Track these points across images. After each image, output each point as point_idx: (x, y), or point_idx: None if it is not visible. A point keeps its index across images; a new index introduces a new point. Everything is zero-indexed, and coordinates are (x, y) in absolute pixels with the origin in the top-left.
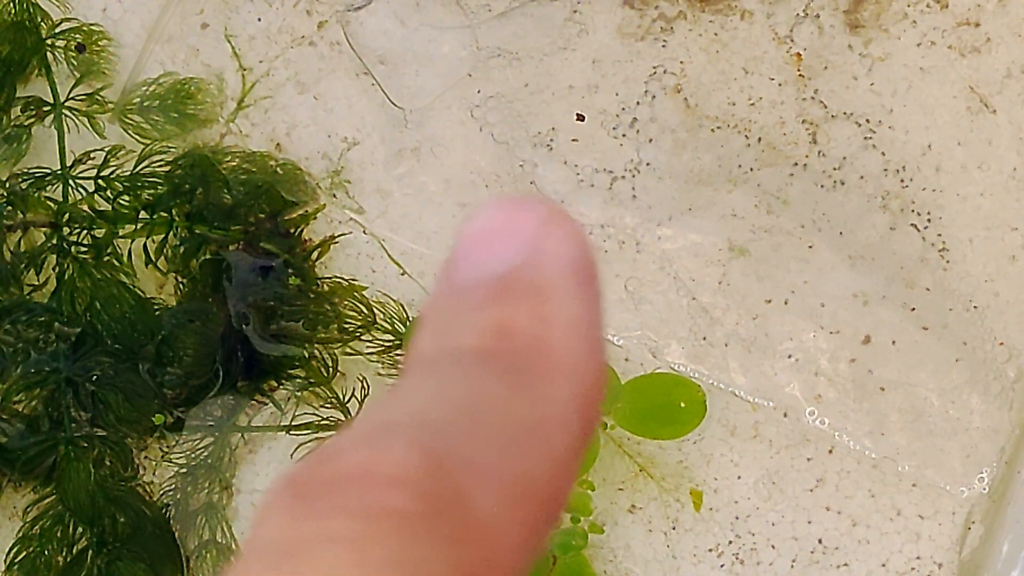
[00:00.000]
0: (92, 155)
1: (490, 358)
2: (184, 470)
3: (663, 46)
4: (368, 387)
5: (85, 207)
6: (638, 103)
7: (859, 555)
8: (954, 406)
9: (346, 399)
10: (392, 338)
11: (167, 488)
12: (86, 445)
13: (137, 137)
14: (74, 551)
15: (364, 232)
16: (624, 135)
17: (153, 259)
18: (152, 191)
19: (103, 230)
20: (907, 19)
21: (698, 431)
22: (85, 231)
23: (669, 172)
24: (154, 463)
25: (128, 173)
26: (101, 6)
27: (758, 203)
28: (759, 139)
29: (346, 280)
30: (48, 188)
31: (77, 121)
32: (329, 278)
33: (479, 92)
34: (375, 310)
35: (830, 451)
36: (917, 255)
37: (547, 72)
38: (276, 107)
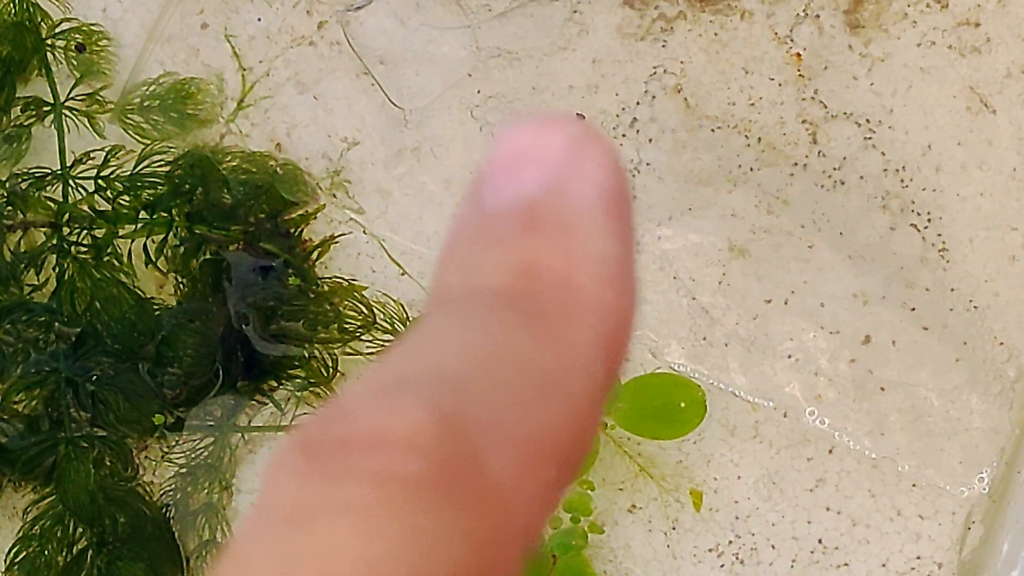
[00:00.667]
0: (92, 155)
1: (514, 300)
2: (184, 470)
3: (663, 46)
4: None
5: (85, 207)
6: (638, 103)
7: (859, 555)
8: (954, 406)
9: None
10: (392, 338)
11: (167, 488)
12: (86, 445)
13: (137, 137)
14: (74, 551)
15: (364, 232)
16: (624, 135)
17: (153, 259)
18: (152, 191)
19: (103, 230)
20: (907, 19)
21: (698, 431)
22: (85, 231)
23: (669, 172)
24: (154, 463)
25: (128, 173)
26: (101, 6)
27: (758, 203)
28: (759, 139)
29: (346, 280)
30: (48, 188)
31: (77, 121)
32: (329, 278)
33: (479, 92)
34: (375, 310)
35: (830, 451)
36: (917, 255)
37: (547, 72)
38: (276, 107)
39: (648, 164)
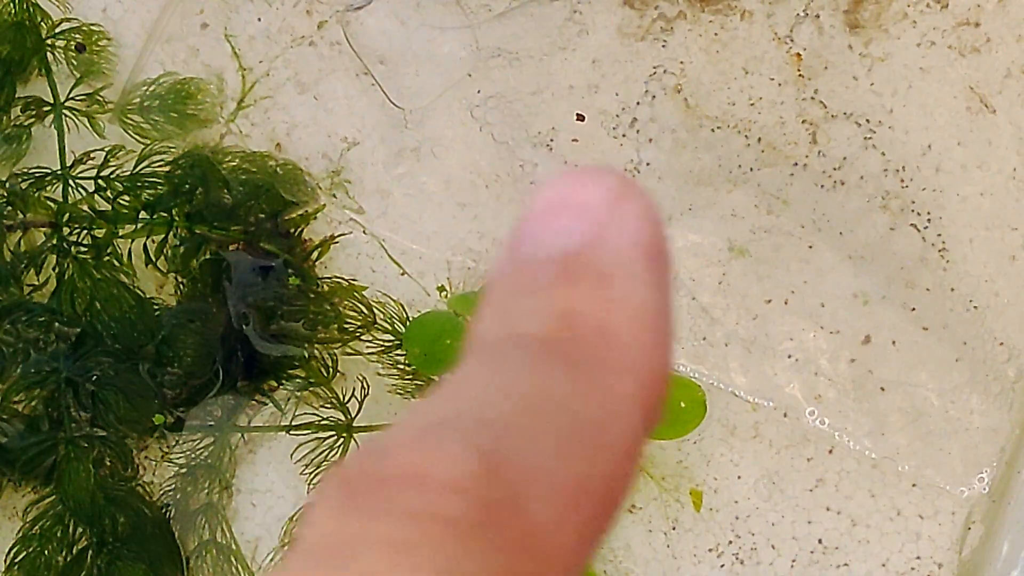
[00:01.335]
0: (92, 155)
1: (553, 348)
2: (184, 470)
3: (663, 46)
4: (368, 387)
5: (85, 207)
6: (638, 103)
7: (859, 555)
8: (954, 406)
9: (346, 399)
10: (392, 338)
11: (167, 488)
12: (86, 445)
13: (137, 137)
14: (74, 551)
15: (364, 232)
16: (624, 135)
17: (153, 259)
18: (152, 191)
19: (103, 230)
20: (907, 19)
21: (698, 431)
22: (85, 231)
23: (669, 172)
24: (154, 463)
25: (128, 173)
26: (101, 6)
27: (758, 203)
28: (759, 139)
29: (346, 280)
30: (48, 188)
31: (77, 121)
32: (329, 278)
33: (479, 92)
34: (375, 310)
35: (830, 451)
36: (917, 255)
37: (547, 72)
38: (276, 107)
39: (648, 164)
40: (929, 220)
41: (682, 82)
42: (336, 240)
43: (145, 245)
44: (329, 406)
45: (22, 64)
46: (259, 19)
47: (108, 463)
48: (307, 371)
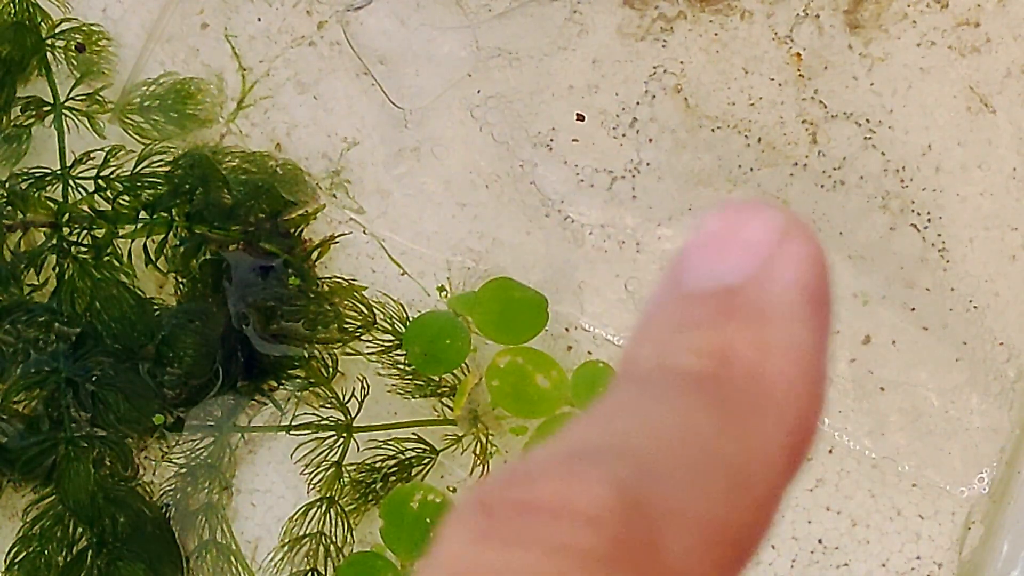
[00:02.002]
0: (92, 155)
1: (704, 385)
2: (184, 470)
3: (663, 46)
4: (368, 387)
5: (85, 207)
6: (638, 103)
7: (859, 555)
8: (954, 406)
9: (346, 399)
10: (392, 338)
11: (167, 488)
12: (86, 445)
13: (137, 137)
14: (74, 551)
15: (364, 232)
16: (624, 135)
17: (153, 259)
18: (152, 191)
19: (103, 230)
20: (907, 19)
21: None
22: (85, 231)
23: (669, 172)
24: (154, 463)
25: (128, 173)
26: (101, 6)
27: None
28: (759, 139)
29: (346, 280)
30: (48, 188)
31: (77, 121)
32: (329, 278)
33: (479, 92)
34: (375, 310)
35: (830, 451)
36: (917, 255)
37: (547, 72)
38: (276, 107)
39: (648, 164)
40: (929, 220)
41: (682, 82)
42: (336, 240)
43: (145, 245)
44: (329, 406)
45: (22, 64)
46: (259, 19)
47: (108, 463)
48: (307, 371)
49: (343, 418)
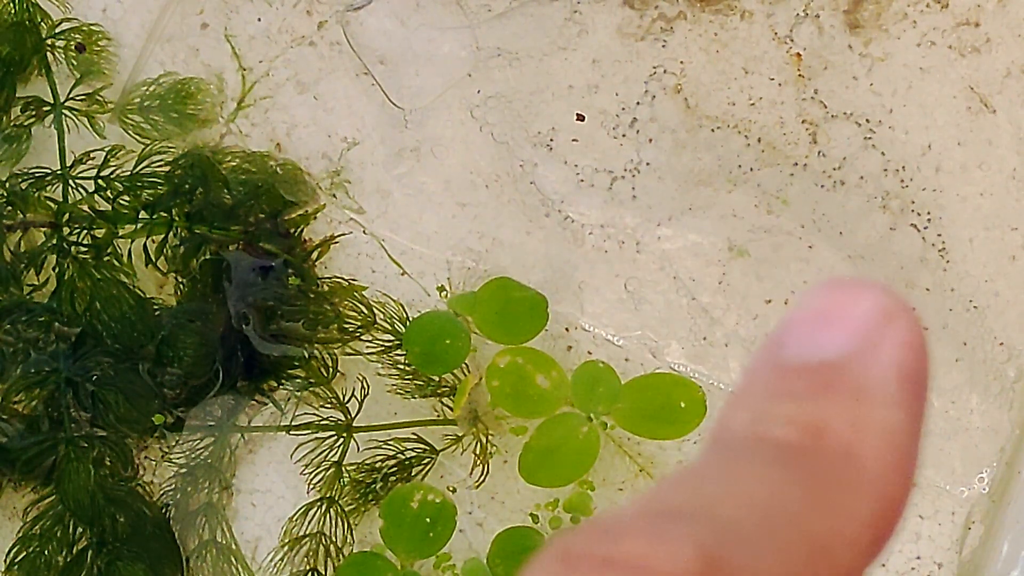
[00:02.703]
0: (92, 155)
1: (796, 458)
2: (184, 470)
3: (663, 46)
4: (368, 387)
5: (85, 207)
6: (638, 103)
7: None
8: (954, 406)
9: (346, 399)
10: (392, 338)
11: (167, 488)
12: (86, 445)
13: (137, 137)
14: (74, 551)
15: (364, 232)
16: (624, 135)
17: (153, 259)
18: (152, 191)
19: (103, 230)
20: (907, 19)
21: (698, 431)
22: (85, 231)
23: (669, 172)
24: (154, 463)
25: (128, 173)
26: (101, 6)
27: (758, 203)
28: (759, 139)
29: (346, 280)
30: (48, 188)
31: (77, 121)
32: (329, 278)
33: (479, 92)
34: (375, 310)
35: None
36: (917, 255)
37: (547, 72)
38: (276, 107)
39: (648, 164)
40: (929, 220)
41: (682, 82)
42: (336, 240)
43: (145, 245)
44: (329, 406)
45: (22, 64)
46: (259, 19)
47: (108, 463)
48: (307, 371)
49: (343, 418)
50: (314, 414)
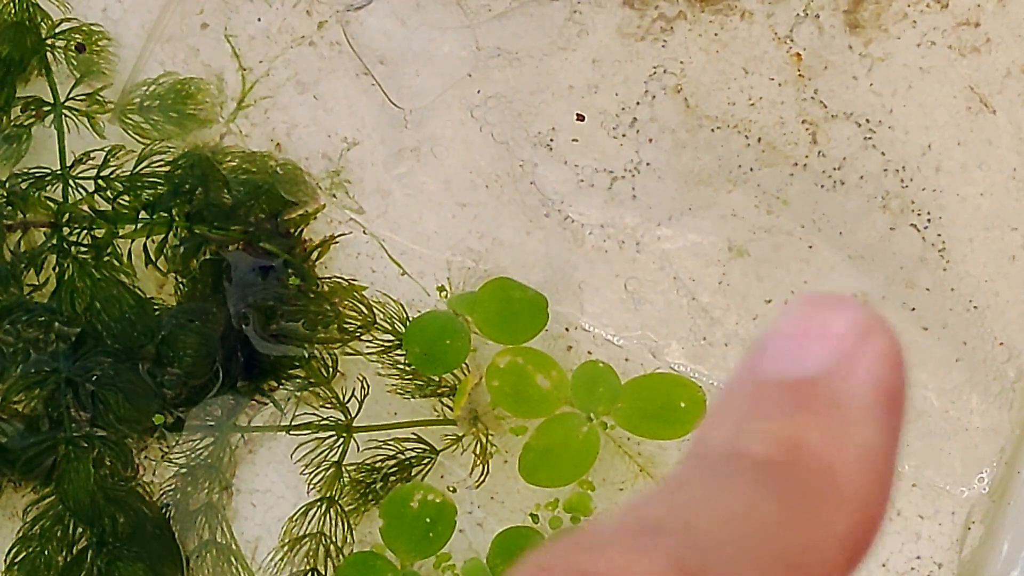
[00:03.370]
0: (92, 155)
1: (773, 473)
2: (184, 470)
3: (663, 46)
4: (368, 387)
5: (85, 207)
6: (638, 103)
7: None
8: (954, 406)
9: (346, 399)
10: (392, 338)
11: (167, 488)
12: (86, 445)
13: (137, 137)
14: (74, 551)
15: (364, 232)
16: (624, 135)
17: (153, 259)
18: (152, 191)
19: (103, 230)
20: (907, 19)
21: None
22: (85, 231)
23: (669, 172)
24: (154, 463)
25: (128, 173)
26: (101, 6)
27: (758, 203)
28: (759, 139)
29: (346, 280)
30: (48, 188)
31: (77, 121)
32: (329, 278)
33: (479, 92)
34: (375, 310)
35: None
36: (917, 255)
37: (547, 72)
38: (276, 107)
39: (648, 164)
40: (929, 220)
41: (682, 82)
42: (336, 240)
43: (145, 245)
44: (329, 406)
45: (22, 64)
46: (259, 19)
47: (108, 463)
48: (307, 371)
49: (343, 418)
50: (314, 414)
